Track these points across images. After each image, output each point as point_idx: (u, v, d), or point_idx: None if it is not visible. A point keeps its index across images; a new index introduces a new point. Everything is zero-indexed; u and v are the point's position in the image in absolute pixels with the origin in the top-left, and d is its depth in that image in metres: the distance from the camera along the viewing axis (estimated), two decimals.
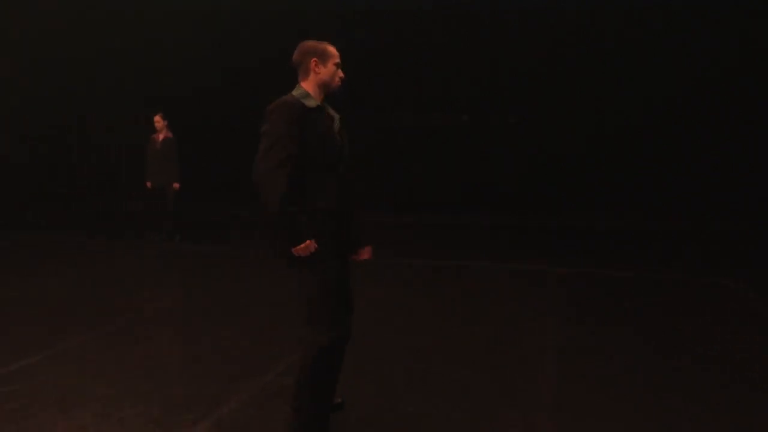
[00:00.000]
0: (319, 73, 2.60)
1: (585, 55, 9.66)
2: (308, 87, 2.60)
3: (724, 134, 9.16)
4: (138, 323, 4.42)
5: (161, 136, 7.67)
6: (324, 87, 2.63)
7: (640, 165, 9.56)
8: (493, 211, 9.96)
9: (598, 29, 9.62)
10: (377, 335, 4.14)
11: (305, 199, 2.46)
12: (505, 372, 3.45)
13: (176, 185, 7.66)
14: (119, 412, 2.94)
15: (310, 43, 2.63)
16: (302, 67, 2.62)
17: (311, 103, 2.53)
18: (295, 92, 2.58)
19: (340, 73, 2.66)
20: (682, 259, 6.92)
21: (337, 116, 2.66)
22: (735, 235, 8.41)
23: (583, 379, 3.33)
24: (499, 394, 3.14)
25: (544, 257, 6.96)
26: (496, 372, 3.46)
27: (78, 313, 4.62)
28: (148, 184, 7.77)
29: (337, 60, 2.64)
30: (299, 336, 2.55)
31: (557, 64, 9.75)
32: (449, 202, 10.22)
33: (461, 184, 10.36)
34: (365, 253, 2.77)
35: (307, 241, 2.38)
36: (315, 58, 2.59)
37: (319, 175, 2.49)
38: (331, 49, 2.65)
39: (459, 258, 6.97)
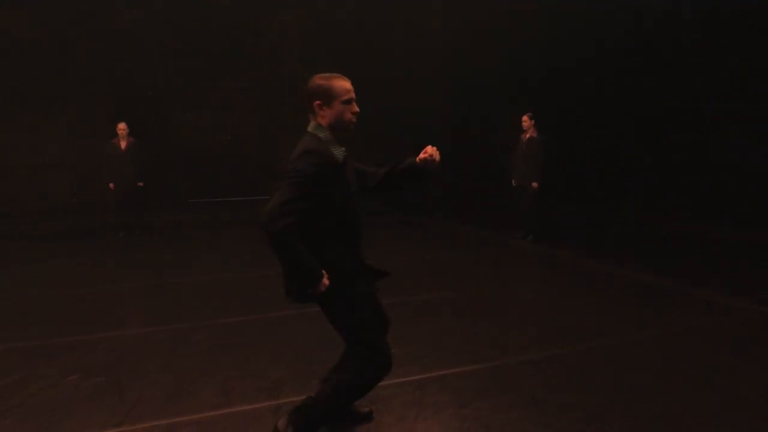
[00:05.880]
0: (325, 116, 2.35)
1: None
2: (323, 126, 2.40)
3: None
4: None
5: (527, 136, 7.79)
6: (334, 129, 2.36)
7: None
8: None
9: None
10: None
11: (321, 249, 2.30)
12: None
13: (535, 185, 7.69)
14: (223, 373, 3.43)
15: (314, 83, 2.36)
16: (310, 110, 2.39)
17: (338, 154, 2.33)
18: (317, 131, 2.35)
19: (353, 108, 2.37)
20: None
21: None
22: None
23: None
24: None
25: None
26: None
27: None
28: (513, 182, 8.00)
29: (346, 97, 2.34)
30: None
31: None
32: None
33: None
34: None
35: (324, 280, 2.24)
36: (318, 101, 2.34)
37: (336, 229, 2.35)
38: (338, 86, 2.34)
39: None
